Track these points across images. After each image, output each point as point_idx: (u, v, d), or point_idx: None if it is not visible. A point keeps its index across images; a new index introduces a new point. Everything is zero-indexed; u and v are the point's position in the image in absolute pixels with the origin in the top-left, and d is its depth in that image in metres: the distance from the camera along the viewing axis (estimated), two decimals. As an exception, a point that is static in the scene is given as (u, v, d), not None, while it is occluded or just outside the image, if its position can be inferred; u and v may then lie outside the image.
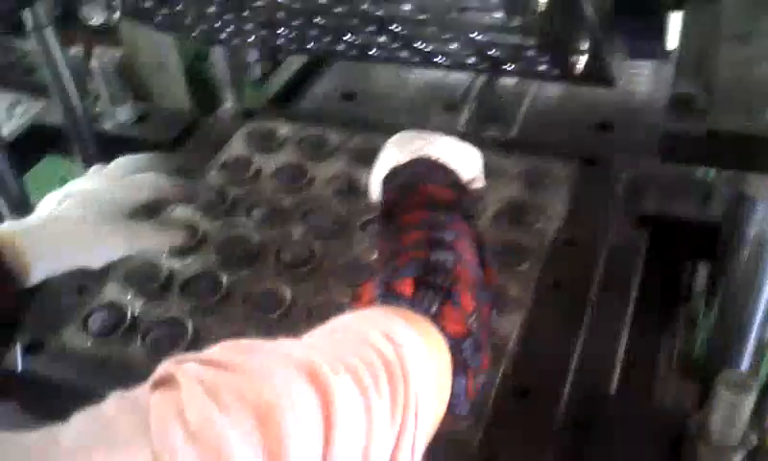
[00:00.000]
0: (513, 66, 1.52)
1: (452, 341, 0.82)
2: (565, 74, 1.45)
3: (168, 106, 1.91)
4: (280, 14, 1.21)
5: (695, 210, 1.34)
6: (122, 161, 1.16)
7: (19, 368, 1.15)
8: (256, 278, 1.28)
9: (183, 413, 0.57)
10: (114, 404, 0.60)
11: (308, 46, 1.64)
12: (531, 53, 1.40)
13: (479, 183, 1.18)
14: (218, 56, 1.89)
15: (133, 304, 1.24)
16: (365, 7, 1.13)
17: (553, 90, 1.86)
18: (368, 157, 1.51)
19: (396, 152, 1.08)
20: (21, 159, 1.60)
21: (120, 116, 1.66)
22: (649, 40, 1.37)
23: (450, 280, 0.86)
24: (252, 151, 1.58)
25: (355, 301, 0.91)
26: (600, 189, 1.40)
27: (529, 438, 1.03)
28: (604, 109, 1.78)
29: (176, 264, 1.31)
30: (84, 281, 1.28)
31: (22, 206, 1.51)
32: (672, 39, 1.31)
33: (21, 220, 1.03)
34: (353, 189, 1.45)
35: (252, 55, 2.01)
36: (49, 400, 1.17)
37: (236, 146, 1.60)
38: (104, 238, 1.05)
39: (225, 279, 1.27)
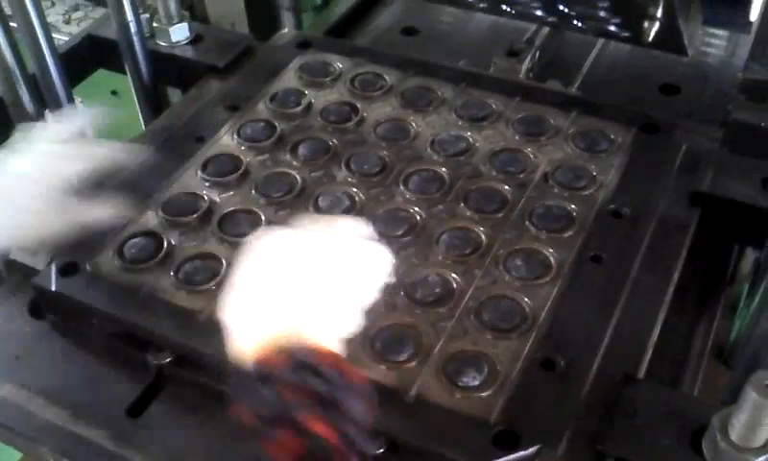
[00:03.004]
0: (581, 23, 1.47)
1: None
2: (636, 38, 1.40)
3: (225, 27, 1.88)
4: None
5: (751, 193, 1.27)
6: (54, 128, 1.16)
7: (53, 287, 1.17)
8: (294, 219, 1.26)
9: None
10: None
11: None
12: (603, 13, 1.34)
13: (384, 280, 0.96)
14: (280, -23, 1.86)
15: (170, 235, 1.24)
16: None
17: (620, 46, 1.78)
18: (421, 102, 1.49)
19: (262, 310, 0.84)
20: (74, 70, 1.61)
21: (175, 35, 1.64)
22: (728, 9, 1.30)
23: None
24: (303, 84, 1.55)
25: None
26: (656, 161, 1.34)
27: (550, 414, 1.01)
28: (672, 71, 1.70)
29: (216, 197, 1.30)
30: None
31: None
32: (756, 10, 1.24)
33: None
34: (403, 136, 1.42)
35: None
36: (80, 325, 1.19)
37: (288, 78, 1.57)
38: (47, 227, 1.07)
39: (263, 217, 1.26)
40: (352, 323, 0.89)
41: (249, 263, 0.88)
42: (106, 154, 1.13)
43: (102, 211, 1.11)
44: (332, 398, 0.79)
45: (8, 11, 1.38)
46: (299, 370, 0.79)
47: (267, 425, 0.78)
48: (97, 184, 1.13)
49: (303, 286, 0.85)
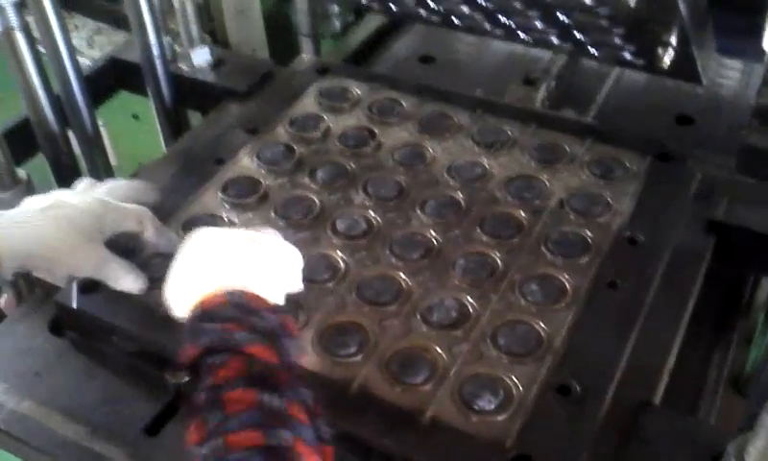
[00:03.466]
0: (597, 51, 1.49)
1: None
2: (651, 66, 1.41)
3: (245, 53, 1.91)
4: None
5: (766, 222, 1.28)
6: (114, 186, 1.22)
7: (74, 305, 1.19)
8: (312, 242, 1.28)
9: None
10: None
11: (392, 6, 1.63)
12: (617, 40, 1.36)
13: (296, 287, 1.07)
14: (300, 4, 1.88)
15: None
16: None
17: (636, 76, 1.80)
18: (438, 128, 1.51)
19: (199, 276, 0.96)
20: (97, 92, 1.64)
21: (196, 59, 1.67)
22: (742, 38, 1.31)
23: None
24: (322, 109, 1.57)
25: None
26: (671, 189, 1.35)
27: (566, 439, 1.01)
28: (686, 102, 1.72)
29: (235, 218, 1.32)
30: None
31: (93, 139, 1.55)
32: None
33: (3, 213, 1.09)
34: (420, 161, 1.44)
35: (333, 7, 2.01)
36: (100, 342, 1.20)
37: (307, 103, 1.59)
38: (77, 260, 1.11)
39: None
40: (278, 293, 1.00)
41: (187, 248, 1.00)
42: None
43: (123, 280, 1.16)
44: (267, 331, 0.89)
45: (35, 34, 1.41)
46: (236, 308, 0.91)
47: (212, 355, 0.86)
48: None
49: (237, 260, 0.98)
